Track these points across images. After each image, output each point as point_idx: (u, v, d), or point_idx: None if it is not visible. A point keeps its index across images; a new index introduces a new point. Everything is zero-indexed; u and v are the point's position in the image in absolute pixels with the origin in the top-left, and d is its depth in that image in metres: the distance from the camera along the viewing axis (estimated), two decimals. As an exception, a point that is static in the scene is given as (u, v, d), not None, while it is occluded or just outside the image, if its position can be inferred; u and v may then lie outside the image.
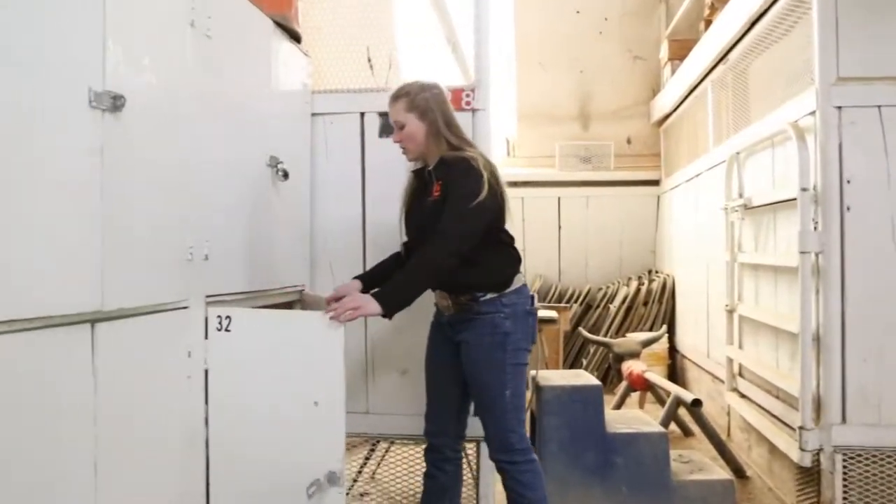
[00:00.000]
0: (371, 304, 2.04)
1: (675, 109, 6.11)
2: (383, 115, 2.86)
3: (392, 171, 2.84)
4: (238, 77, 2.19)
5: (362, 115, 2.88)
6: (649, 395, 4.67)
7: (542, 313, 5.19)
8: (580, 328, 5.38)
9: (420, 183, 2.34)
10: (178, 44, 1.82)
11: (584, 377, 3.20)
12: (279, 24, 2.52)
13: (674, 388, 3.84)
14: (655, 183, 6.71)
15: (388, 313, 2.07)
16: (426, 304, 2.36)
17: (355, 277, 2.46)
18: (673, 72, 5.94)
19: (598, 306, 6.47)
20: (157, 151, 1.71)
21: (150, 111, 1.67)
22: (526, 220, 6.67)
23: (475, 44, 2.82)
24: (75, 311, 1.43)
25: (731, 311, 4.06)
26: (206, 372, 1.98)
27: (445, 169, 2.19)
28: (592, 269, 6.75)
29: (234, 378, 1.99)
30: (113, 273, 1.52)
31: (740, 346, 3.96)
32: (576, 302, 6.50)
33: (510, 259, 2.32)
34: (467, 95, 2.81)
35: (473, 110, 2.81)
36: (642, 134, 6.81)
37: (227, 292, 2.09)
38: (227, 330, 1.99)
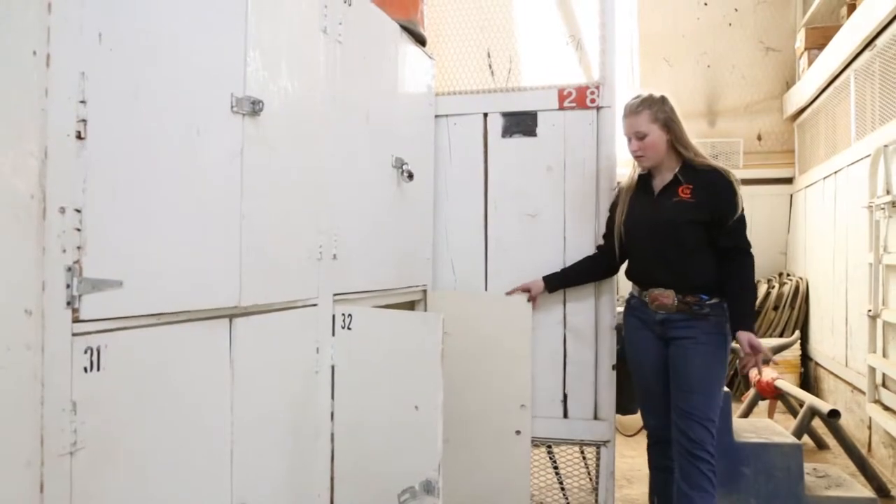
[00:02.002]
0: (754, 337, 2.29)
1: (811, 102, 5.73)
2: (507, 115, 2.89)
3: (514, 170, 2.88)
4: (367, 80, 2.27)
5: (485, 115, 2.92)
6: (779, 404, 4.42)
7: None
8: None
9: (642, 186, 2.50)
10: (311, 50, 1.92)
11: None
12: (405, 28, 2.60)
13: (808, 398, 3.61)
14: (788, 181, 6.32)
15: (750, 329, 2.30)
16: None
17: (544, 277, 2.72)
18: (810, 62, 5.58)
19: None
20: (291, 153, 1.81)
21: (285, 115, 1.76)
22: None
23: (600, 39, 2.79)
24: (216, 306, 1.53)
25: (874, 317, 3.77)
26: (333, 368, 2.06)
27: (701, 175, 2.37)
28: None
29: (355, 375, 2.07)
30: (250, 270, 1.62)
31: (884, 355, 3.67)
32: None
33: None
34: (591, 93, 2.78)
35: (598, 108, 2.79)
36: (774, 129, 6.44)
37: (353, 290, 2.17)
38: (349, 328, 2.07)
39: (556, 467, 3.04)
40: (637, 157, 2.48)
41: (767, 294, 5.78)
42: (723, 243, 2.35)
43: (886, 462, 3.73)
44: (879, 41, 4.10)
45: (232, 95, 1.55)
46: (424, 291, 2.87)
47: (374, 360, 2.06)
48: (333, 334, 2.07)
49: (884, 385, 3.67)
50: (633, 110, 2.43)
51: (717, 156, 6.42)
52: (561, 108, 2.82)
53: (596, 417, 2.79)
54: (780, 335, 5.51)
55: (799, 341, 5.11)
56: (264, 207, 1.69)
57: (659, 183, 2.46)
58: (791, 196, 6.28)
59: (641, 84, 6.28)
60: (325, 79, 1.98)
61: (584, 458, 3.00)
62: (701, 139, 6.53)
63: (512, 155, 2.88)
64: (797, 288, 5.69)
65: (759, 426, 3.16)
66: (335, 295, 2.08)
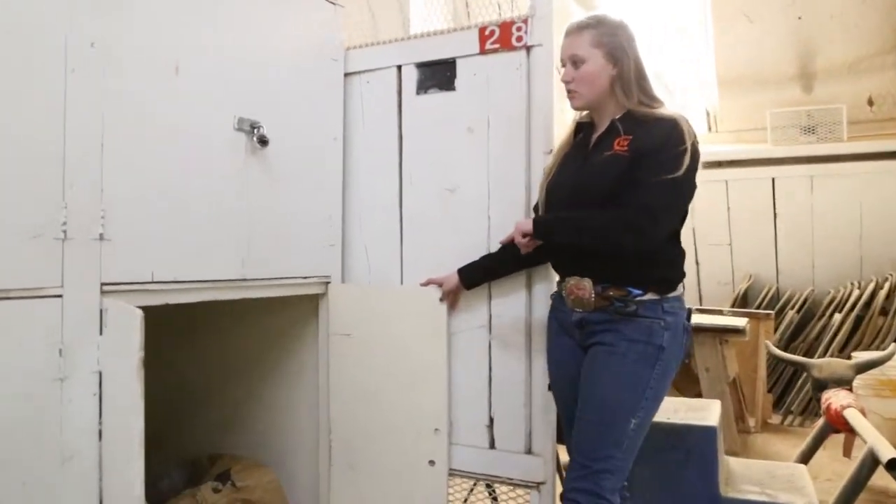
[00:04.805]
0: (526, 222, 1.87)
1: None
2: (422, 66, 2.32)
3: (430, 134, 2.31)
4: (183, 25, 1.84)
5: (399, 68, 2.36)
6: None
7: (724, 320, 4.18)
8: (767, 343, 4.20)
9: (580, 139, 1.92)
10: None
11: (700, 411, 2.29)
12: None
13: (871, 436, 2.66)
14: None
15: (536, 234, 1.84)
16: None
17: (460, 270, 2.14)
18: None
19: (822, 315, 5.09)
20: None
21: None
22: (731, 208, 5.54)
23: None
24: None
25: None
26: (100, 374, 1.62)
27: (643, 126, 1.74)
28: (821, 269, 5.34)
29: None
30: None
31: None
32: (792, 308, 5.19)
33: (681, 256, 1.85)
34: (518, 28, 2.15)
35: (528, 48, 2.15)
36: (890, 91, 5.20)
37: (148, 280, 1.74)
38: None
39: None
40: (568, 93, 1.86)
41: (873, 295, 4.65)
42: (624, 200, 1.69)
43: None
44: None
45: None
46: (327, 284, 2.37)
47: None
48: (101, 333, 1.64)
49: None
50: (575, 28, 1.84)
51: (814, 127, 5.30)
52: (482, 51, 2.21)
53: (529, 451, 2.15)
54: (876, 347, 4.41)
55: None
56: None
57: (606, 132, 1.83)
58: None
59: (716, 47, 5.33)
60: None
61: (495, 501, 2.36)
62: (792, 107, 5.45)
63: (428, 115, 2.31)
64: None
65: (781, 473, 2.34)
66: (106, 285, 1.64)
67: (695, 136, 1.73)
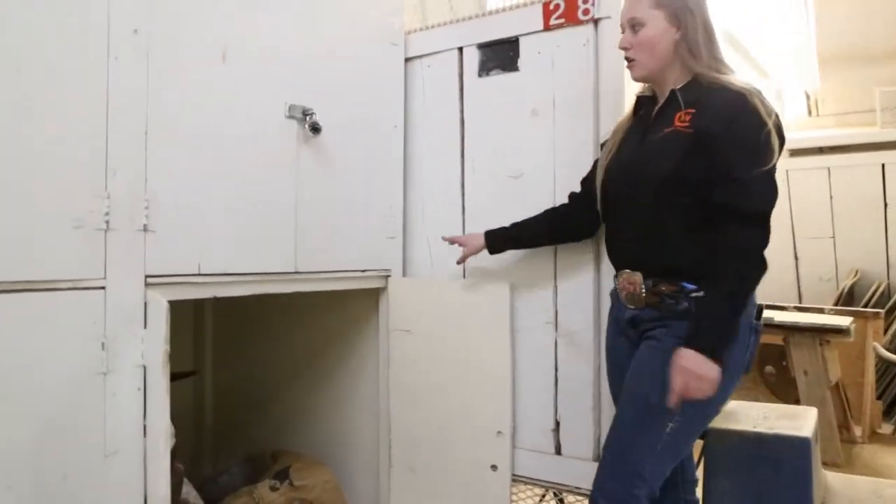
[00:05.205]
0: (704, 369, 1.41)
1: None
2: (483, 47, 2.20)
3: (493, 118, 2.18)
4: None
5: (460, 50, 2.24)
6: None
7: (825, 319, 3.83)
8: (875, 344, 3.80)
9: (642, 115, 1.70)
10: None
11: (794, 419, 2.05)
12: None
13: None
14: None
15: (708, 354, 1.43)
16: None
17: (487, 233, 2.02)
18: None
19: (941, 314, 4.61)
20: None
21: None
22: (834, 197, 5.11)
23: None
24: None
25: None
26: (144, 369, 1.61)
27: (709, 98, 1.53)
28: (941, 263, 4.85)
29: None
30: None
31: None
32: (904, 307, 4.73)
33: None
34: (584, 0, 1.98)
35: (595, 20, 1.98)
36: None
37: (196, 272, 1.69)
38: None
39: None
40: (627, 62, 1.68)
41: None
42: (714, 198, 1.48)
43: None
44: None
45: None
46: (387, 278, 2.28)
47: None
48: (146, 326, 1.60)
49: None
50: None
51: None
52: (546, 27, 2.06)
53: (598, 458, 1.98)
54: None
55: None
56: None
57: (666, 105, 1.63)
58: None
59: (816, 21, 4.89)
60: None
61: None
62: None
63: (490, 99, 2.18)
64: None
65: (891, 493, 2.06)
66: (150, 277, 1.60)
67: (775, 113, 1.51)
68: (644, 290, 1.58)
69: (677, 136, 1.54)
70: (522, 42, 2.10)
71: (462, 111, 2.23)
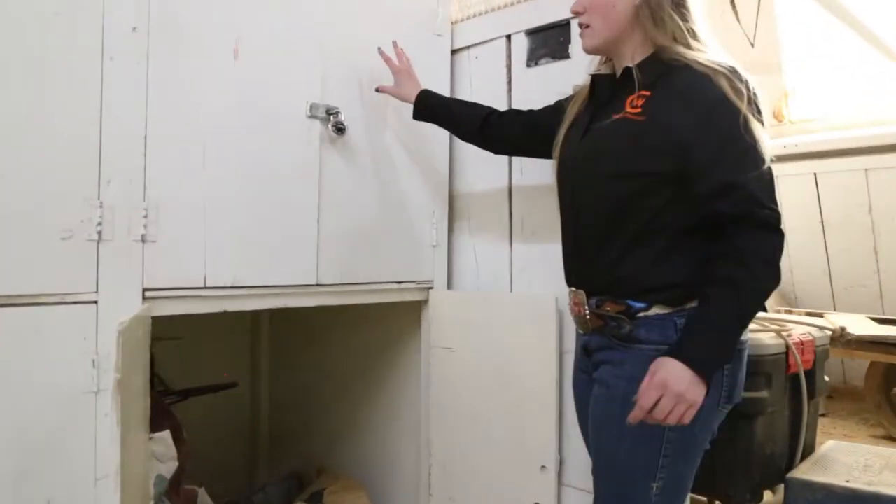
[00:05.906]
0: (690, 388, 1.12)
1: None
2: (532, 33, 1.97)
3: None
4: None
5: (508, 38, 2.02)
6: None
7: (876, 329, 3.29)
8: None
9: (595, 97, 1.42)
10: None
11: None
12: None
13: None
14: None
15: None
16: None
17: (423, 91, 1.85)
18: None
19: None
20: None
21: None
22: (872, 197, 4.25)
23: None
24: None
25: None
26: None
27: (670, 78, 1.25)
28: None
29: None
30: None
31: None
32: None
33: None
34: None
35: (656, -2, 1.70)
36: None
37: (197, 286, 1.58)
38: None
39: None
40: (580, 30, 1.40)
41: None
42: (699, 188, 1.19)
43: None
44: None
45: None
46: (428, 290, 2.10)
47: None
48: (140, 343, 1.51)
49: None
50: None
51: None
52: (600, 7, 1.79)
53: (657, 502, 1.70)
54: None
55: None
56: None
57: (618, 86, 1.35)
58: None
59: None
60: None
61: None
62: None
63: (540, 90, 1.93)
64: None
65: None
66: (149, 290, 1.51)
67: (748, 93, 1.19)
68: (587, 312, 1.31)
69: (626, 124, 1.26)
70: (574, 26, 1.85)
71: (510, 105, 2.01)
